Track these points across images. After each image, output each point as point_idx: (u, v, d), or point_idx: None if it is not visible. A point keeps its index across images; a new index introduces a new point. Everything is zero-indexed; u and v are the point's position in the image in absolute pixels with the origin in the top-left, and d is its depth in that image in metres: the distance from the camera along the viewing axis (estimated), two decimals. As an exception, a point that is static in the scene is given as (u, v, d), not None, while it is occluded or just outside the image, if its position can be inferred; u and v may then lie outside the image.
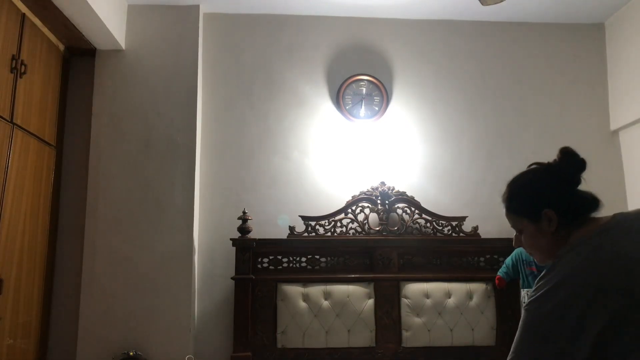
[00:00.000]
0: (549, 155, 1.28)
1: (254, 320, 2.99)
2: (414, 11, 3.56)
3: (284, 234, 3.18)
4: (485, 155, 3.54)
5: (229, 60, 3.54)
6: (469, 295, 3.08)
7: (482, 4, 2.67)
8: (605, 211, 1.18)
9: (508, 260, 3.05)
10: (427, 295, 3.06)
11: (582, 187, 1.23)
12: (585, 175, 1.23)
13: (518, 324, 1.13)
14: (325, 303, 3.02)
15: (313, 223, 3.19)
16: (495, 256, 3.22)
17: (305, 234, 3.16)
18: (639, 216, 1.18)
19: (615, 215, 1.17)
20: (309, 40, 3.59)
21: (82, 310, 3.03)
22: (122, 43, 3.31)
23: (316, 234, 3.18)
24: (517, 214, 1.28)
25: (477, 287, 3.10)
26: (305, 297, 3.02)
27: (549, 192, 1.23)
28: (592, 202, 1.21)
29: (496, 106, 3.61)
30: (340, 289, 3.05)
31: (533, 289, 1.14)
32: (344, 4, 3.46)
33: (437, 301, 3.05)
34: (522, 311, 1.15)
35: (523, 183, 1.29)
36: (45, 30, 2.96)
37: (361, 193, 3.27)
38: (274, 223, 3.31)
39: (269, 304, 3.02)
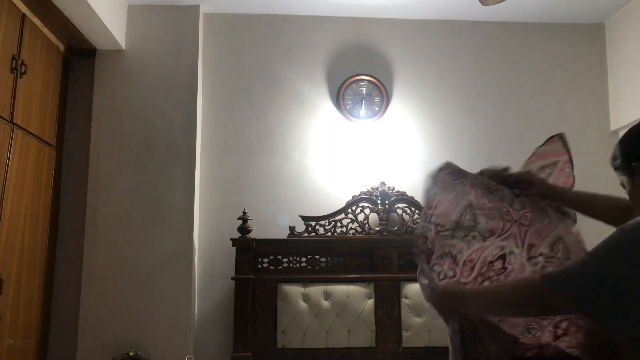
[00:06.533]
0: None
1: (254, 320, 2.99)
2: (414, 11, 3.56)
3: (284, 234, 3.18)
4: (485, 155, 3.53)
5: (229, 60, 3.54)
6: (469, 295, 3.07)
7: (482, 4, 2.67)
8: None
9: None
10: (427, 295, 3.06)
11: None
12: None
13: None
14: (326, 303, 3.01)
15: (313, 223, 3.19)
16: (495, 256, 3.21)
17: (305, 234, 3.16)
18: None
19: None
20: (309, 40, 3.59)
21: (82, 310, 3.03)
22: (122, 43, 3.30)
23: (316, 234, 3.18)
24: (617, 170, 1.24)
25: (477, 287, 3.10)
26: (306, 297, 3.02)
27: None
28: None
29: (496, 106, 3.61)
30: (341, 289, 3.04)
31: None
32: (344, 4, 3.46)
33: (437, 301, 3.05)
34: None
35: (622, 138, 1.25)
36: (45, 30, 2.96)
37: (361, 193, 3.27)
38: (274, 223, 3.31)
39: (269, 304, 3.02)
